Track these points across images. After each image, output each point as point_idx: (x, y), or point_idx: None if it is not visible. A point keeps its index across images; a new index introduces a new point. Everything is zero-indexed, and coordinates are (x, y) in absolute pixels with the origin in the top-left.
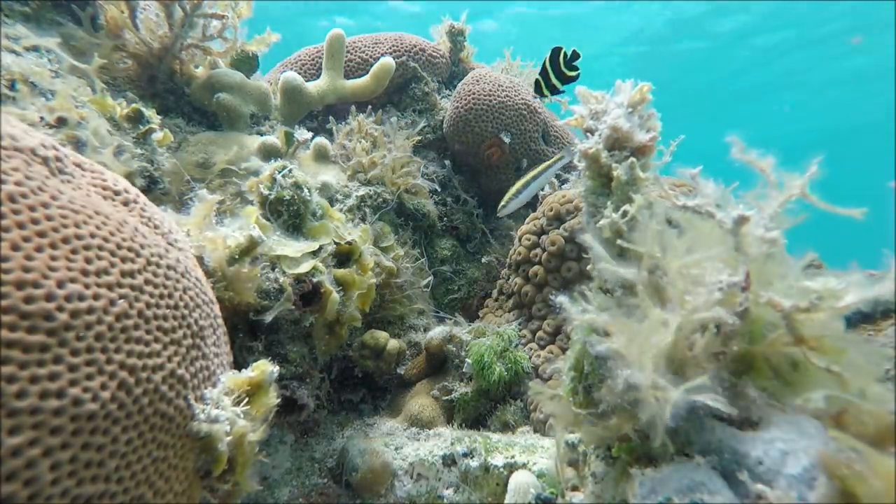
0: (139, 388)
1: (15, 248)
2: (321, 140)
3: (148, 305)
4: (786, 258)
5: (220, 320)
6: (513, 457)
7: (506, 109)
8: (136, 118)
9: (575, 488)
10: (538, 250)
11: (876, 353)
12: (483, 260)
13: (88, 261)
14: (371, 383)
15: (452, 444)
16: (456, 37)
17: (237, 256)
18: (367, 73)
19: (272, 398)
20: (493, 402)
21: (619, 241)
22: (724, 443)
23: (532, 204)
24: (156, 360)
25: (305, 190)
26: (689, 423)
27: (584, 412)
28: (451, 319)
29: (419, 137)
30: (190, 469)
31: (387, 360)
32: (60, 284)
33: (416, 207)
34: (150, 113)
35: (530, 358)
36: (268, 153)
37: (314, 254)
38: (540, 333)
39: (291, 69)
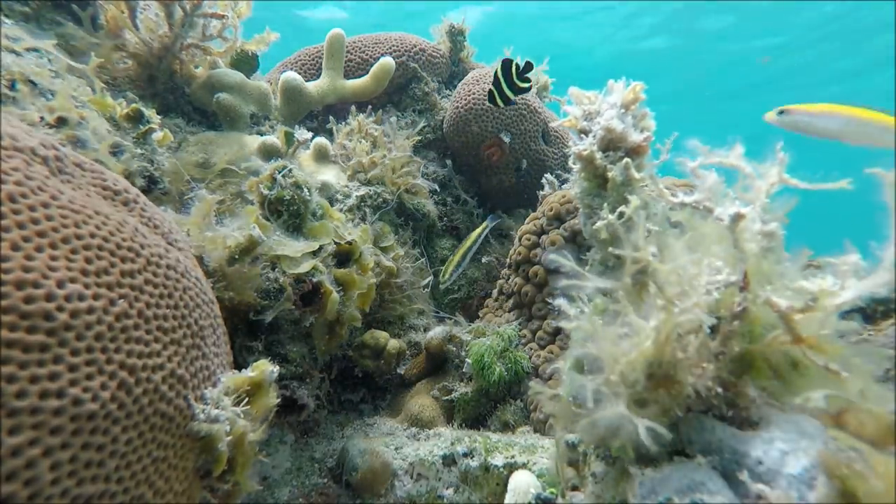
0: (139, 388)
1: (15, 248)
2: (321, 140)
3: (148, 305)
4: (783, 256)
5: (220, 320)
6: (513, 457)
7: (505, 109)
8: (136, 118)
9: (575, 488)
10: (538, 250)
11: (875, 352)
12: (483, 260)
13: (88, 261)
14: (371, 383)
15: (452, 444)
16: (456, 37)
17: (237, 256)
18: (367, 73)
19: (272, 398)
20: (493, 402)
21: (609, 249)
22: (724, 443)
23: (532, 204)
24: (156, 359)
25: (305, 190)
26: (689, 422)
27: (584, 412)
28: (451, 319)
29: (419, 137)
30: (190, 469)
31: (387, 360)
32: (60, 284)
33: (416, 207)
34: (150, 113)
35: (530, 358)
36: (268, 153)
37: (314, 254)
38: (540, 333)
39: (291, 69)
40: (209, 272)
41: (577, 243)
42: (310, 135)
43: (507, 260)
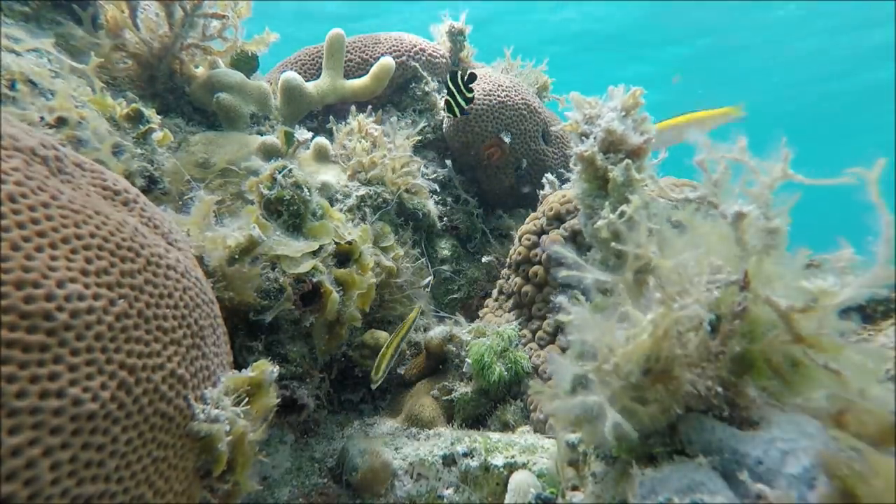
0: (139, 388)
1: (15, 248)
2: (321, 140)
3: (148, 305)
4: (784, 255)
5: (220, 320)
6: (513, 457)
7: (505, 109)
8: (136, 118)
9: (575, 488)
10: (538, 250)
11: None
12: (483, 260)
13: (88, 261)
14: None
15: (452, 443)
16: (456, 36)
17: (237, 256)
18: (367, 73)
19: (272, 398)
20: (493, 402)
21: (612, 244)
22: (724, 443)
23: (532, 204)
24: (156, 359)
25: (305, 190)
26: (689, 422)
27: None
28: (451, 319)
29: (419, 137)
30: (190, 469)
31: None
32: (60, 284)
33: (416, 207)
34: (149, 113)
35: (530, 358)
36: (268, 153)
37: (314, 254)
38: (540, 333)
39: (291, 69)
40: (209, 272)
41: (577, 243)
42: (310, 135)
43: (507, 260)
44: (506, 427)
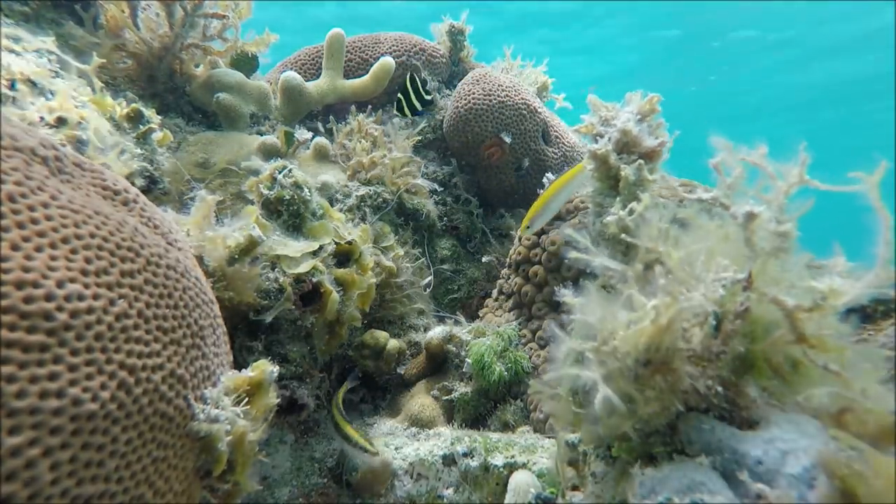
0: (139, 388)
1: (14, 247)
2: (321, 140)
3: (148, 305)
4: (791, 257)
5: (220, 320)
6: (513, 456)
7: (505, 109)
8: (136, 118)
9: (575, 488)
10: (538, 250)
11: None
12: (483, 260)
13: (88, 261)
14: (371, 383)
15: (452, 443)
16: (456, 36)
17: (237, 256)
18: (367, 72)
19: (272, 398)
20: (493, 402)
21: (622, 236)
22: (724, 442)
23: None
24: (156, 359)
25: (305, 190)
26: (689, 422)
27: (584, 412)
28: (451, 319)
29: (419, 137)
30: (190, 469)
31: (387, 360)
32: (60, 284)
33: (416, 207)
34: (149, 113)
35: (530, 358)
36: (268, 153)
37: (314, 254)
38: (540, 333)
39: (291, 69)
40: (209, 272)
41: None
42: (310, 135)
43: (507, 260)
44: (506, 427)
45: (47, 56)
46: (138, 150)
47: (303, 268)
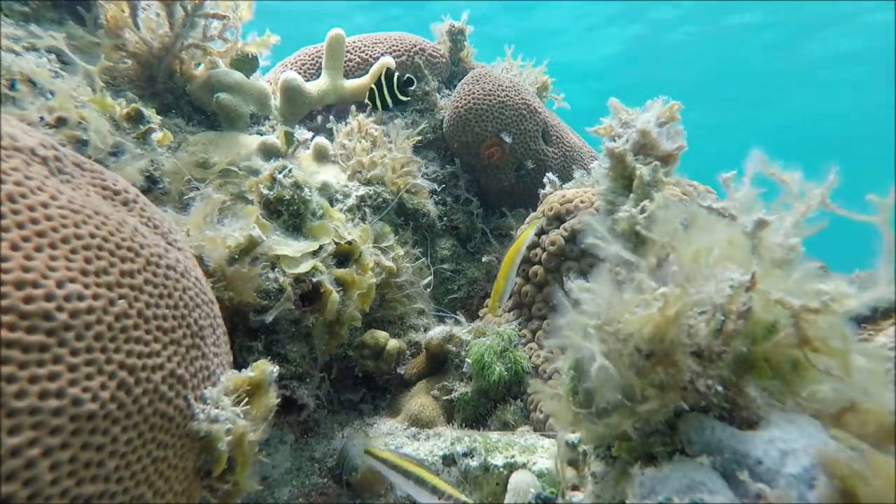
0: (139, 388)
1: (14, 247)
2: (321, 140)
3: (147, 305)
4: (796, 266)
5: (219, 320)
6: (513, 456)
7: (505, 109)
8: (136, 118)
9: (575, 488)
10: (538, 250)
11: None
12: (483, 260)
13: (88, 261)
14: (371, 383)
15: (452, 443)
16: (456, 36)
17: (237, 256)
18: (367, 72)
19: (272, 398)
20: (493, 402)
21: (637, 228)
22: (724, 443)
23: (533, 203)
24: (155, 359)
25: (305, 190)
26: (689, 422)
27: (584, 411)
28: (451, 319)
29: (419, 137)
30: (190, 469)
31: (387, 360)
32: (60, 284)
33: (416, 207)
34: (149, 113)
35: (530, 358)
36: (268, 153)
37: (314, 254)
38: (540, 333)
39: (291, 69)
40: (209, 272)
41: (577, 243)
42: (310, 135)
43: None
44: (506, 427)
45: (46, 56)
46: (138, 150)
47: (303, 268)
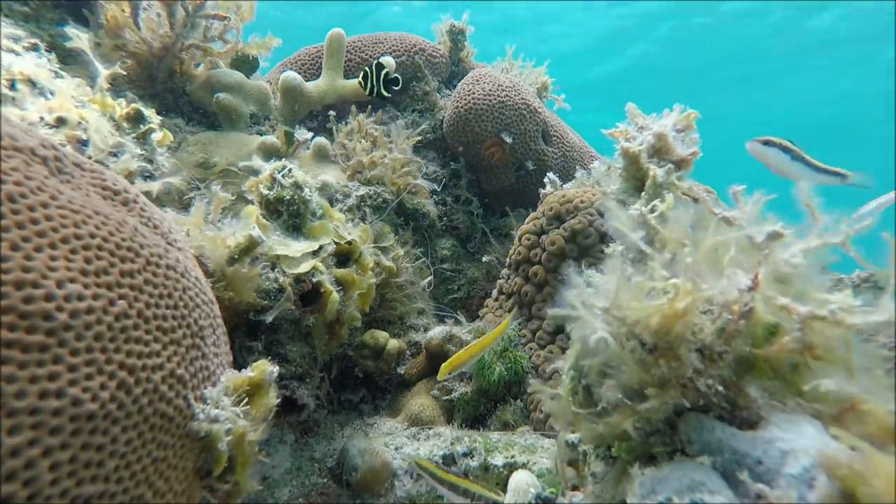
0: (139, 388)
1: (14, 248)
2: (321, 140)
3: (147, 305)
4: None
5: (219, 320)
6: (513, 456)
7: (506, 109)
8: (136, 118)
9: (575, 488)
10: (538, 250)
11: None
12: (483, 260)
13: (88, 261)
14: (371, 383)
15: (452, 443)
16: (456, 36)
17: (237, 256)
18: None
19: (272, 398)
20: (493, 402)
21: (652, 223)
22: (723, 443)
23: (533, 203)
24: (155, 359)
25: (305, 190)
26: (689, 422)
27: (584, 411)
28: (451, 319)
29: (419, 137)
30: (190, 469)
31: (387, 360)
32: (60, 284)
33: (416, 207)
34: (149, 113)
35: (530, 357)
36: (268, 153)
37: (314, 254)
38: (540, 333)
39: (291, 69)
40: (209, 272)
41: (577, 243)
42: (310, 135)
43: (507, 260)
44: (506, 427)
45: (46, 56)
46: (138, 150)
47: (303, 268)
